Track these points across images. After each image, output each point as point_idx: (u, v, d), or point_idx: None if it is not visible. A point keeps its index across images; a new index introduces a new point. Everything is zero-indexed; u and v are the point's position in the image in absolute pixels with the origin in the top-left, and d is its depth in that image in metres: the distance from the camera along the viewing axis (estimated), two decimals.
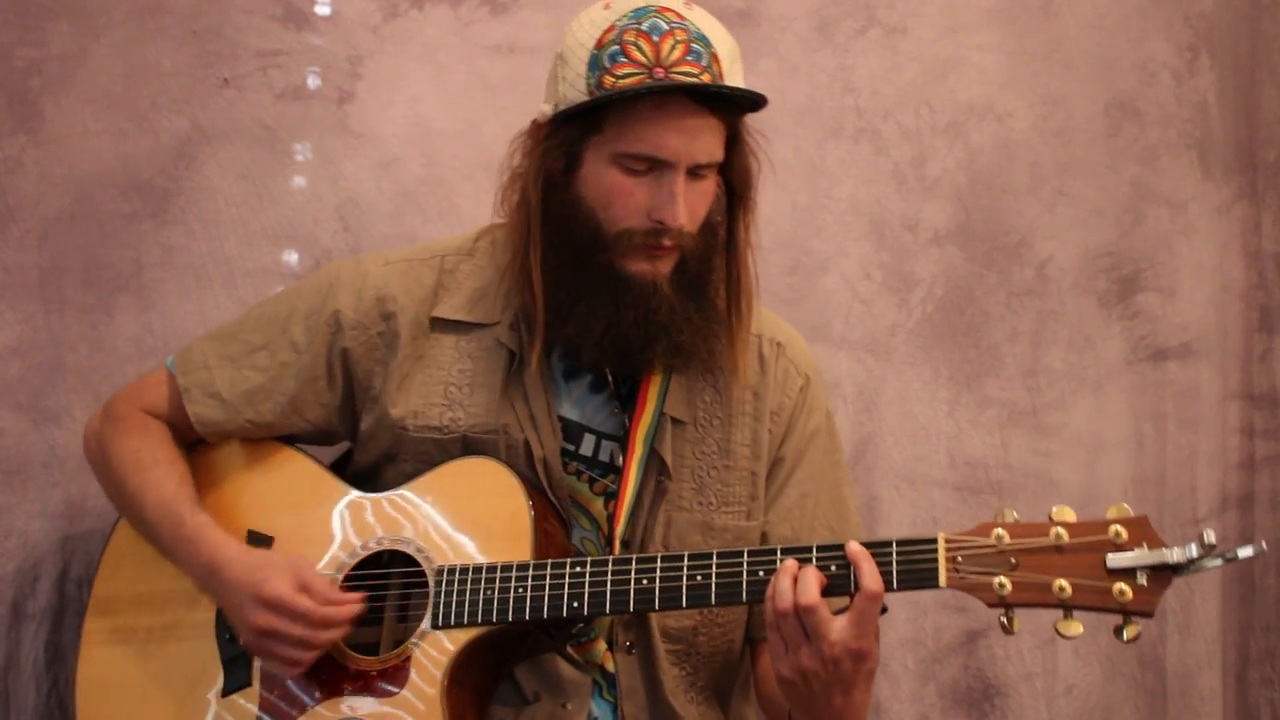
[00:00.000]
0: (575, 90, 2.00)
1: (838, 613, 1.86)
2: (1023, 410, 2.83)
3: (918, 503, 2.79)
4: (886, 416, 2.78)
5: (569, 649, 2.07)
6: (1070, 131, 2.87)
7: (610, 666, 2.09)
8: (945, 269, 2.81)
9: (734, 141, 2.07)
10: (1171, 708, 2.86)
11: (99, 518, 2.40)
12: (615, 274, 2.02)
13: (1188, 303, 2.91)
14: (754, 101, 2.03)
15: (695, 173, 2.01)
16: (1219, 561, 1.75)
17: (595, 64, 1.98)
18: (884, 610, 2.15)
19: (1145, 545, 1.78)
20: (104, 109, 2.50)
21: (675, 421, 2.11)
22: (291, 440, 2.20)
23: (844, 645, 1.82)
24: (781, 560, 1.88)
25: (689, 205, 2.01)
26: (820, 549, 1.89)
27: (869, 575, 1.84)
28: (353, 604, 2.00)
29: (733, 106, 2.04)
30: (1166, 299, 2.89)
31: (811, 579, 1.83)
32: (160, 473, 2.14)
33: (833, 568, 1.86)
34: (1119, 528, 1.79)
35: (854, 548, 1.86)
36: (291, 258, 2.57)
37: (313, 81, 2.59)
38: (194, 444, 2.21)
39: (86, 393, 2.46)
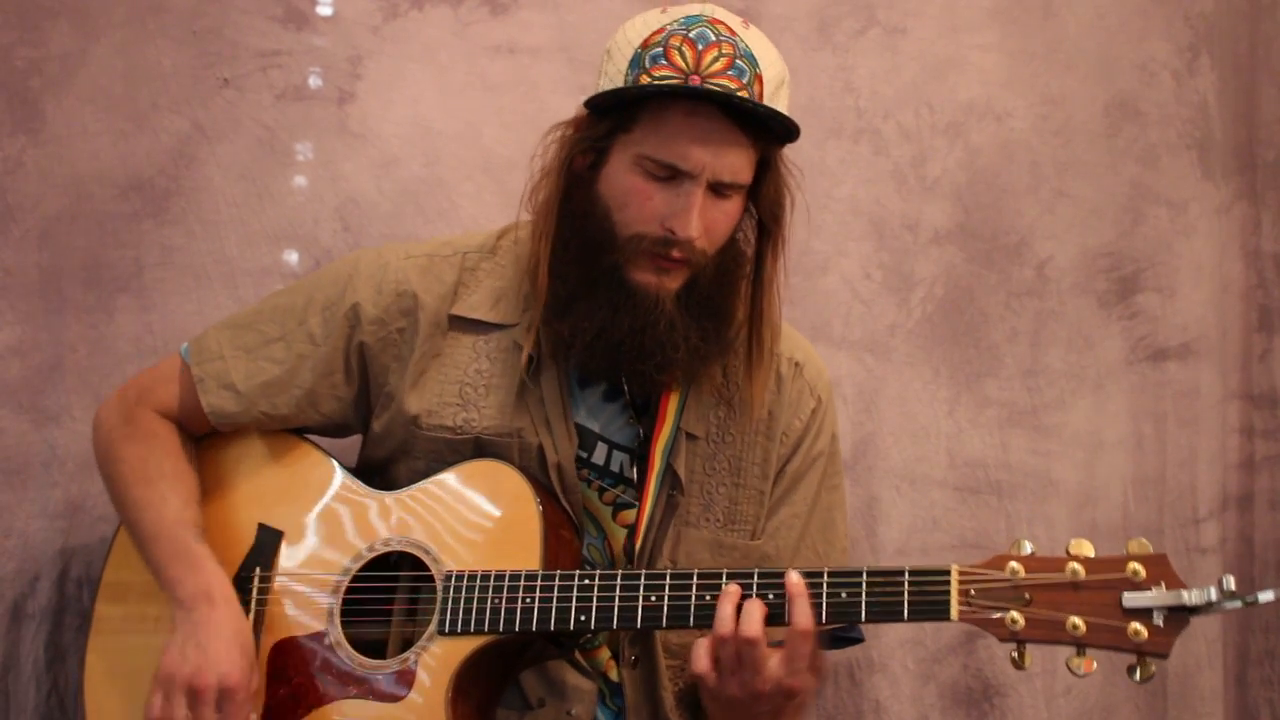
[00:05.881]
0: (613, 85, 1.98)
1: (775, 644, 1.84)
2: (1022, 410, 2.82)
3: (918, 503, 2.78)
4: (886, 416, 2.77)
5: (575, 654, 2.06)
6: (1070, 131, 2.87)
7: (614, 676, 2.09)
8: (945, 269, 2.81)
9: (765, 169, 2.04)
10: (1172, 708, 2.86)
11: (99, 518, 2.40)
12: (619, 279, 2.00)
13: (1187, 303, 2.90)
14: (787, 128, 2.00)
15: (718, 190, 1.98)
16: (1238, 604, 1.70)
17: (636, 62, 1.97)
18: (857, 641, 2.15)
19: (1163, 585, 1.73)
20: (104, 109, 2.50)
21: (689, 436, 2.09)
22: (303, 432, 2.19)
23: (776, 681, 1.82)
24: (726, 584, 1.86)
25: (705, 220, 1.97)
26: (762, 575, 1.87)
27: (801, 612, 1.82)
28: None
29: (767, 131, 2.00)
30: (1166, 299, 2.89)
31: (756, 611, 1.82)
32: (165, 487, 2.09)
33: (770, 596, 1.85)
34: (1137, 565, 1.74)
35: (793, 580, 1.84)
36: (291, 258, 2.57)
37: (313, 82, 2.59)
38: (205, 434, 2.19)
39: (86, 393, 2.46)
